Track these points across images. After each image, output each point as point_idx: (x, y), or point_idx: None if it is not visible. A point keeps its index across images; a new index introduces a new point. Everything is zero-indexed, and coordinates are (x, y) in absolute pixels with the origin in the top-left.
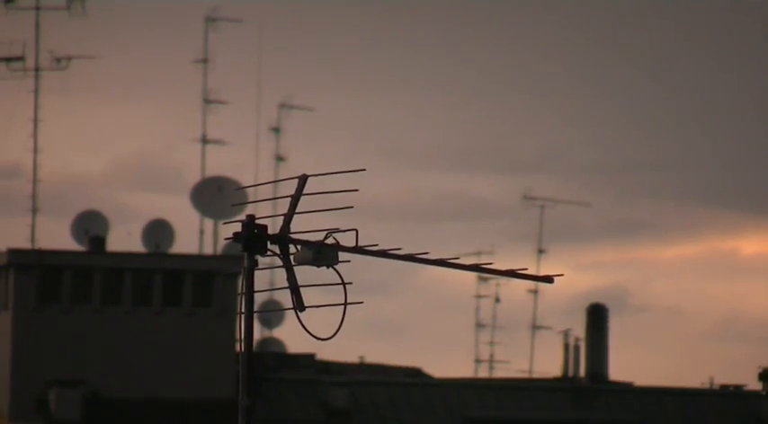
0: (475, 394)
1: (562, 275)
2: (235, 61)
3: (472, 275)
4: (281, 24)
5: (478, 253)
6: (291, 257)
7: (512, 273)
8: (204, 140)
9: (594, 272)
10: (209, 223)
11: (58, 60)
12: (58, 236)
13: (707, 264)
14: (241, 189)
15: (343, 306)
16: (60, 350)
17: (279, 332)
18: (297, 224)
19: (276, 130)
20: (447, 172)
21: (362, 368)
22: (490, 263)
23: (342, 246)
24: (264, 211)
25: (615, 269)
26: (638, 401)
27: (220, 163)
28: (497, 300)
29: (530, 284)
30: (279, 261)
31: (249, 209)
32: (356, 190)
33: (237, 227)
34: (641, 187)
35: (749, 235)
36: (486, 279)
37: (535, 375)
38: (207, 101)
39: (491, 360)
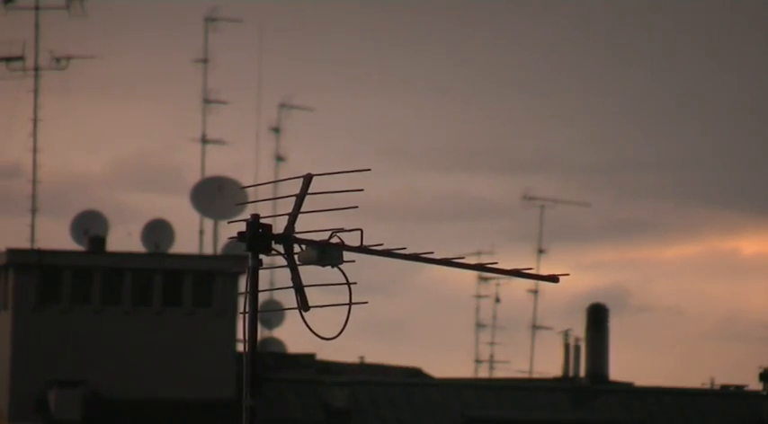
0: (475, 394)
1: (568, 274)
2: (235, 61)
3: (472, 275)
4: (281, 24)
5: (478, 253)
6: (296, 256)
7: (517, 273)
8: (204, 140)
9: (594, 272)
10: (209, 223)
11: (58, 60)
12: (57, 236)
13: (707, 264)
14: (245, 188)
15: (346, 306)
16: (60, 350)
17: (279, 332)
18: (300, 223)
19: (276, 130)
20: (447, 172)
21: (362, 368)
22: (495, 263)
23: (347, 246)
24: (265, 211)
25: (615, 269)
26: (638, 401)
27: (220, 163)
28: (497, 300)
29: (530, 284)
30: (279, 261)
31: (250, 209)
32: (361, 190)
33: (241, 227)
34: (641, 187)
35: (749, 235)
36: (486, 279)
37: (535, 375)
38: (207, 101)
39: (491, 360)
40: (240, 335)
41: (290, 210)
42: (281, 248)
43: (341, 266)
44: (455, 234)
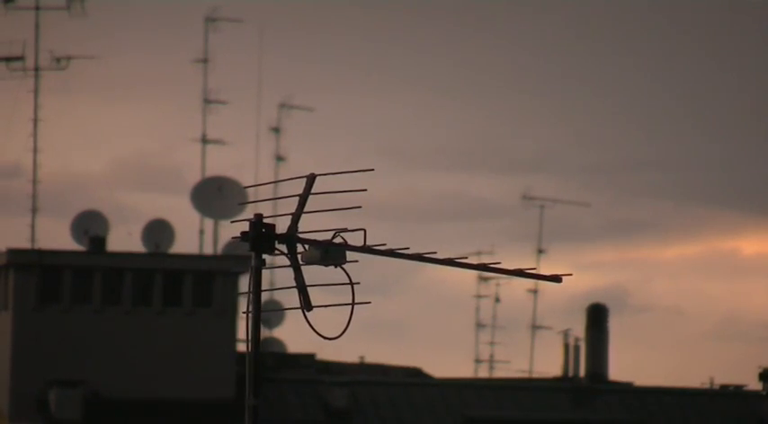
0: (475, 394)
1: (571, 274)
2: (235, 61)
3: (472, 275)
4: (281, 24)
5: (479, 253)
6: (299, 256)
7: (520, 272)
8: (204, 140)
9: (594, 272)
10: (209, 223)
11: (58, 60)
12: (57, 236)
13: (707, 264)
14: (246, 188)
15: (349, 305)
16: (60, 350)
17: (279, 332)
18: (303, 223)
19: (276, 130)
20: (447, 172)
21: (362, 368)
22: (498, 262)
23: (350, 246)
24: (266, 211)
25: (615, 269)
26: (638, 401)
27: (220, 163)
28: (497, 300)
29: (530, 284)
30: (280, 261)
31: (251, 209)
32: (364, 190)
33: (244, 227)
34: (641, 187)
35: (749, 235)
36: (486, 279)
37: (535, 375)
38: (207, 101)
39: (491, 360)
40: (241, 335)
41: (291, 210)
42: (284, 248)
43: (343, 266)
44: (455, 234)
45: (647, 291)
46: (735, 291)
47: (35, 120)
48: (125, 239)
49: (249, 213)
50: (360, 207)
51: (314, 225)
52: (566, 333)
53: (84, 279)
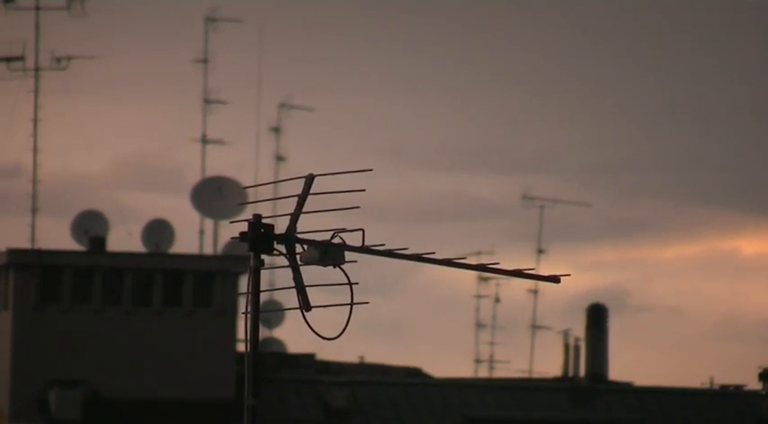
0: (475, 394)
1: (569, 275)
2: (235, 61)
3: (472, 275)
4: (281, 24)
5: (479, 253)
6: (298, 257)
7: (518, 273)
8: (204, 140)
9: (594, 272)
10: (209, 223)
11: (58, 60)
12: (57, 236)
13: (707, 264)
14: (246, 188)
15: (348, 306)
16: (60, 350)
17: (279, 332)
18: (302, 224)
19: (276, 130)
20: (447, 172)
21: (362, 368)
22: (497, 263)
23: (349, 246)
24: (266, 211)
25: (615, 269)
26: (638, 401)
27: (220, 163)
28: (497, 300)
29: (530, 284)
30: (279, 261)
31: (251, 209)
32: (363, 190)
33: (243, 227)
34: (641, 187)
35: (749, 235)
36: (486, 279)
37: (535, 375)
38: (207, 101)
39: (491, 360)
40: (241, 335)
41: (290, 211)
42: (283, 248)
43: (342, 266)
44: (455, 234)
45: (647, 291)
46: (735, 291)
47: (35, 120)
48: (125, 239)
49: (249, 213)
50: (358, 207)
51: (313, 226)
52: (566, 333)
53: (84, 279)
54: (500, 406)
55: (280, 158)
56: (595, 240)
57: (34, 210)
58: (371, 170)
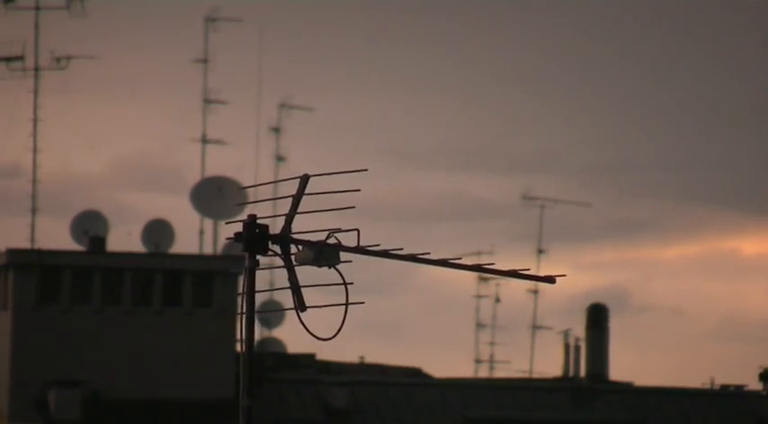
0: (475, 394)
1: (565, 275)
2: (235, 61)
3: (472, 275)
4: (281, 24)
5: (478, 253)
6: (293, 257)
7: (514, 273)
8: (204, 140)
9: (594, 272)
10: (209, 223)
11: (58, 60)
12: (57, 236)
13: (707, 264)
14: (245, 188)
15: (343, 306)
16: (60, 350)
17: (279, 332)
18: (298, 224)
19: (276, 130)
20: (447, 172)
21: (362, 368)
22: (492, 263)
23: (344, 246)
24: (265, 211)
25: (615, 269)
26: (638, 401)
27: (220, 163)
28: (497, 300)
29: (530, 284)
30: (278, 261)
31: (250, 209)
32: (358, 190)
33: (239, 227)
34: (641, 187)
35: (749, 235)
36: (486, 279)
37: (535, 375)
38: (207, 101)
39: (491, 360)
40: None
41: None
42: (277, 248)
43: (338, 266)
44: (455, 234)
45: (647, 291)
46: (735, 291)
47: (35, 120)
48: (125, 239)
49: (247, 214)
50: (354, 207)
51: (308, 226)
52: (566, 333)
53: (83, 279)
54: (500, 406)
55: (280, 158)
56: (595, 240)
57: (34, 210)
58: (366, 170)
